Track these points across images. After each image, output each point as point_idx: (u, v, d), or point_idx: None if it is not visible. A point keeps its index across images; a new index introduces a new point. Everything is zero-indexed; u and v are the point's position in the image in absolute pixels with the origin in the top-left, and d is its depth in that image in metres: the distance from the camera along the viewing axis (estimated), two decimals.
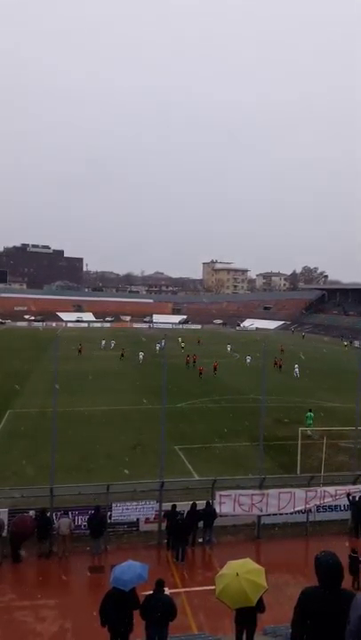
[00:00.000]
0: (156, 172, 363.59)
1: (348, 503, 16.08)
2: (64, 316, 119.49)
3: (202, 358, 51.66)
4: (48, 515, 14.26)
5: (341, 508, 16.61)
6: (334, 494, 15.88)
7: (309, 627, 4.14)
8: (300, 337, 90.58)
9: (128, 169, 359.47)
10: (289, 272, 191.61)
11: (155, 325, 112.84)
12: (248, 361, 52.60)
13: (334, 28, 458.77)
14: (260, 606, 7.68)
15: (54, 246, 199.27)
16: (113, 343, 66.65)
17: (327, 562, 4.16)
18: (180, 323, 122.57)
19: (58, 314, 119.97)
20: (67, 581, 13.48)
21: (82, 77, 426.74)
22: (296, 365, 47.11)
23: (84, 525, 14.64)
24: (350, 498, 15.87)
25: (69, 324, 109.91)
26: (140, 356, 53.02)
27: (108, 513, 14.86)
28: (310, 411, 27.10)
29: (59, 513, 14.52)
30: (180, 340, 69.54)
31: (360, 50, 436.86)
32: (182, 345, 64.31)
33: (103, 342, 66.41)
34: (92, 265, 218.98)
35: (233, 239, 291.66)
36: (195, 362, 50.05)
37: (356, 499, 15.87)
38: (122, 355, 55.89)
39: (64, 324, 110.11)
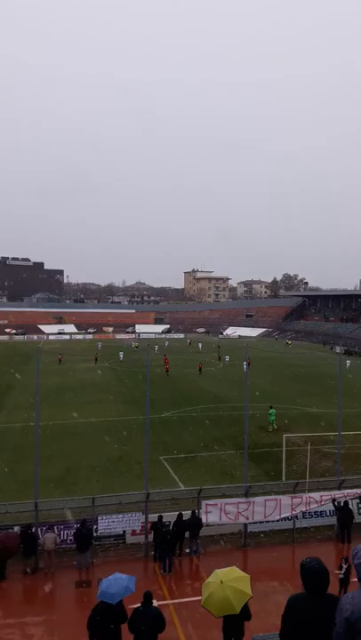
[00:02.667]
0: (137, 183, 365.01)
1: (333, 509, 16.19)
2: (45, 328, 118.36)
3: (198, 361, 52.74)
4: (33, 530, 14.07)
5: (327, 513, 16.72)
6: (320, 500, 15.97)
7: (296, 633, 4.18)
8: (285, 344, 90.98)
9: (108, 180, 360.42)
10: (270, 280, 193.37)
11: (141, 336, 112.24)
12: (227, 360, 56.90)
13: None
14: (245, 614, 7.68)
15: (34, 259, 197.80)
16: (122, 355, 64.86)
17: (312, 568, 4.20)
18: (162, 332, 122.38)
19: (39, 326, 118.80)
20: (53, 597, 13.28)
21: (66, 86, 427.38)
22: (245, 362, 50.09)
23: (70, 540, 14.47)
24: (336, 503, 15.98)
25: (51, 337, 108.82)
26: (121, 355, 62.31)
27: (94, 526, 14.71)
28: (271, 407, 27.73)
29: (44, 528, 14.32)
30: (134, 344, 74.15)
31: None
32: (136, 345, 70.73)
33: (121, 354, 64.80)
34: (73, 276, 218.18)
35: (213, 248, 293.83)
36: (166, 366, 52.12)
37: (342, 504, 16.00)
38: (59, 361, 59.55)
39: (46, 337, 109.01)
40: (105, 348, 76.18)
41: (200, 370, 52.67)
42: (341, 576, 12.01)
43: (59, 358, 60.33)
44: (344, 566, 12.39)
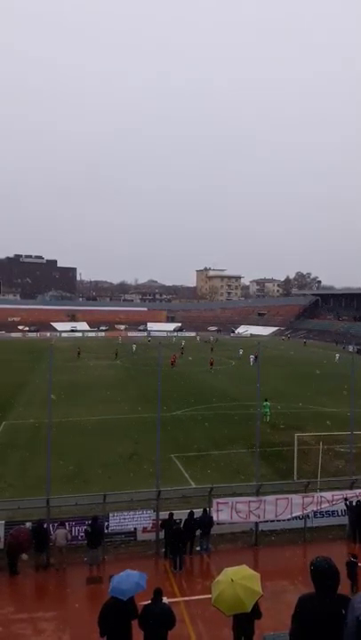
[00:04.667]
0: (150, 181, 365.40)
1: (345, 508, 16.09)
2: (58, 325, 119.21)
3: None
4: (45, 526, 14.19)
5: (339, 513, 16.61)
6: (331, 499, 15.87)
7: (307, 633, 4.16)
8: (303, 344, 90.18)
9: (121, 178, 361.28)
10: (282, 278, 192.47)
11: (152, 334, 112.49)
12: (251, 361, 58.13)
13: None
14: (256, 613, 7.66)
15: (47, 256, 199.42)
16: (134, 347, 73.15)
17: (322, 567, 4.19)
18: (174, 330, 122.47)
19: (52, 324, 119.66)
20: (64, 593, 13.39)
21: (88, 86, 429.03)
22: (251, 356, 56.03)
23: (82, 536, 14.57)
24: (347, 503, 15.87)
25: (64, 334, 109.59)
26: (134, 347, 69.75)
27: (105, 523, 14.80)
28: (266, 400, 27.57)
29: (55, 524, 14.44)
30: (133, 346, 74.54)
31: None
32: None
33: (134, 346, 73.82)
34: (85, 274, 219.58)
35: (226, 246, 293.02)
36: (173, 363, 54.41)
37: (354, 504, 15.88)
38: (78, 354, 64.27)
39: (58, 334, 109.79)
40: (121, 346, 77.01)
41: (211, 365, 53.99)
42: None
43: (78, 351, 65.30)
44: (353, 559, 12.39)
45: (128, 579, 8.53)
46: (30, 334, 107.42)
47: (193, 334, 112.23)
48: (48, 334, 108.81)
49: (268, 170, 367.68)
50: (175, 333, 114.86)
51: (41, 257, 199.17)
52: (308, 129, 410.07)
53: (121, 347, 73.74)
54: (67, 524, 14.61)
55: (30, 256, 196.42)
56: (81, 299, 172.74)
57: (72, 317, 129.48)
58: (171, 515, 14.79)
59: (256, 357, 54.33)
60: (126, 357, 63.12)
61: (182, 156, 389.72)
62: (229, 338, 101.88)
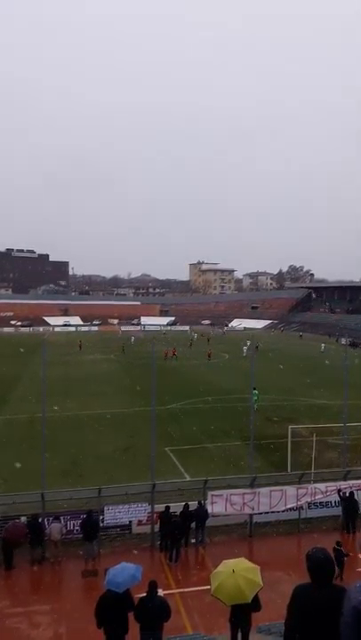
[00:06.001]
0: (142, 175, 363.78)
1: (338, 499, 16.21)
2: (51, 320, 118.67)
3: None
4: (40, 520, 14.18)
5: (332, 504, 16.73)
6: (325, 491, 16.01)
7: (302, 624, 4.18)
8: (298, 337, 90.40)
9: (113, 171, 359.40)
10: (275, 271, 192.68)
11: (145, 328, 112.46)
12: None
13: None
14: (256, 605, 7.72)
15: (39, 250, 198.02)
16: (133, 339, 75.21)
17: (318, 558, 4.19)
18: (168, 324, 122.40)
19: (45, 318, 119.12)
20: (60, 586, 13.42)
21: (80, 75, 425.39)
22: (245, 347, 57.47)
23: (77, 530, 14.59)
24: (341, 494, 15.99)
25: (57, 329, 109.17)
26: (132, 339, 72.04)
27: (101, 516, 14.82)
28: (255, 389, 27.61)
29: (50, 518, 14.44)
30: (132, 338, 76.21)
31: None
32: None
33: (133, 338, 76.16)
34: (78, 268, 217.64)
35: (219, 239, 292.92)
36: (174, 355, 56.02)
37: (347, 495, 16.01)
38: (80, 347, 65.59)
39: (51, 329, 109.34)
40: (118, 340, 77.07)
41: (209, 357, 55.64)
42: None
43: (79, 345, 66.76)
44: (338, 547, 12.55)
45: (123, 571, 8.57)
46: (23, 329, 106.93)
47: (186, 328, 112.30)
48: (41, 329, 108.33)
49: (262, 165, 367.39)
50: (168, 327, 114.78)
51: (33, 251, 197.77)
52: (303, 123, 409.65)
53: (121, 341, 73.98)
54: (62, 518, 14.63)
55: (22, 250, 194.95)
56: (74, 293, 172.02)
57: (65, 312, 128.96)
58: (167, 507, 14.84)
59: (257, 347, 58.53)
60: (128, 350, 63.16)
61: (176, 148, 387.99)
62: (223, 332, 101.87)
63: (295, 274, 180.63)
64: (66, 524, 14.67)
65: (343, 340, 79.13)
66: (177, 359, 55.21)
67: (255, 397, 27.63)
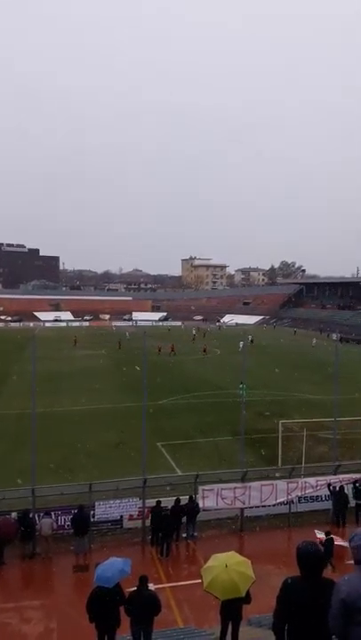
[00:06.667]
0: (132, 169, 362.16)
1: (328, 493, 16.34)
2: (41, 315, 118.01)
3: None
4: (31, 516, 14.14)
5: (323, 498, 16.87)
6: (315, 485, 16.12)
7: (291, 615, 4.22)
8: (292, 333, 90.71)
9: (104, 165, 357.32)
10: (267, 267, 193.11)
11: (137, 323, 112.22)
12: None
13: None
14: (246, 598, 7.77)
15: (29, 245, 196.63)
16: (128, 334, 74.69)
17: (308, 551, 4.23)
18: (159, 320, 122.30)
19: (35, 313, 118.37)
20: (51, 582, 13.41)
21: (65, 74, 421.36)
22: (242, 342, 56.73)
23: (68, 525, 14.57)
24: (331, 488, 16.12)
25: (47, 324, 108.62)
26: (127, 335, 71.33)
27: (92, 511, 14.81)
28: (242, 383, 27.75)
29: (41, 514, 14.41)
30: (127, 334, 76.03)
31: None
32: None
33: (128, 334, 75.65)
34: (68, 263, 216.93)
35: (211, 235, 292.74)
36: (173, 351, 56.38)
37: (337, 489, 16.14)
38: (75, 342, 65.40)
39: (42, 324, 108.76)
40: (112, 336, 76.92)
41: (205, 351, 56.64)
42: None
43: (74, 340, 66.07)
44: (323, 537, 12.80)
45: (112, 566, 8.57)
46: (13, 324, 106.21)
47: (179, 324, 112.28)
48: (31, 324, 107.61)
49: (253, 161, 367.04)
50: (161, 323, 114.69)
51: (23, 246, 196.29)
52: (303, 122, 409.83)
53: (115, 336, 74.05)
54: (52, 513, 14.60)
55: (12, 245, 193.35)
56: (64, 288, 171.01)
57: (56, 307, 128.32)
58: (158, 502, 14.86)
59: (251, 341, 62.10)
60: (124, 346, 62.98)
61: (170, 145, 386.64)
62: (218, 327, 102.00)
63: (287, 270, 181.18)
64: (57, 520, 14.66)
65: (334, 336, 79.76)
66: (175, 355, 55.43)
67: (242, 391, 27.77)
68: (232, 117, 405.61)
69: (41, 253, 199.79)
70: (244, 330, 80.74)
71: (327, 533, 13.28)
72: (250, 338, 68.55)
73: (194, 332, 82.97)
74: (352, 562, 3.72)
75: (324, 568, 4.32)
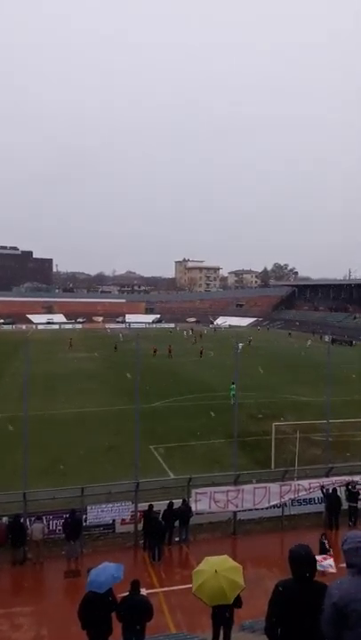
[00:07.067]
0: (127, 171, 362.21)
1: (321, 496, 16.33)
2: (34, 317, 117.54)
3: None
4: (22, 521, 14.00)
5: (316, 501, 16.85)
6: (308, 487, 16.10)
7: (283, 619, 4.18)
8: (287, 334, 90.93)
9: (98, 167, 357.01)
10: (260, 269, 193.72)
11: (131, 325, 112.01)
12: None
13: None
14: (236, 602, 7.72)
15: (23, 247, 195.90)
16: (121, 335, 75.62)
17: (300, 554, 4.20)
18: (153, 322, 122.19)
19: (28, 316, 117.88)
20: (42, 587, 13.28)
21: (61, 76, 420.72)
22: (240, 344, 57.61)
23: (59, 530, 14.44)
24: (324, 491, 16.10)
25: (40, 326, 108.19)
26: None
27: (84, 516, 14.69)
28: (233, 383, 27.72)
29: (32, 518, 14.27)
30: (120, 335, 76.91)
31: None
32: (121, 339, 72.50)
33: (121, 335, 76.65)
34: (62, 265, 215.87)
35: (205, 237, 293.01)
36: (170, 353, 56.91)
37: (330, 491, 16.12)
38: (70, 344, 65.60)
39: (34, 327, 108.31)
40: (107, 338, 76.81)
41: (201, 354, 56.81)
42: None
43: (69, 343, 66.29)
44: (324, 541, 12.84)
45: (104, 571, 8.48)
46: (5, 327, 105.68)
47: (172, 325, 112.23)
48: (24, 327, 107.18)
49: (248, 164, 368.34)
50: (173, 325, 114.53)
51: (16, 248, 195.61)
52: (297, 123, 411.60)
53: (110, 338, 74.02)
54: (44, 517, 14.46)
55: (5, 247, 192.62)
56: (57, 290, 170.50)
57: (48, 309, 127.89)
58: (150, 506, 14.77)
59: (249, 342, 63.92)
60: (120, 348, 62.77)
61: (163, 148, 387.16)
62: (214, 329, 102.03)
63: (280, 272, 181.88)
64: (48, 524, 14.52)
65: (327, 338, 80.00)
66: (171, 357, 55.40)
67: (232, 392, 27.71)
68: (221, 117, 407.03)
69: (34, 256, 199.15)
70: (237, 332, 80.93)
71: (323, 536, 13.27)
72: (249, 339, 68.98)
73: (191, 333, 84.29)
74: (345, 565, 3.68)
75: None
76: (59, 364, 50.09)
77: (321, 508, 16.56)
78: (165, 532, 14.61)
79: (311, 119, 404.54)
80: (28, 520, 14.19)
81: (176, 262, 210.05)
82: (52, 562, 13.84)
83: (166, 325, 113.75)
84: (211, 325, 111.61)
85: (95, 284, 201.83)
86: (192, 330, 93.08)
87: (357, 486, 16.58)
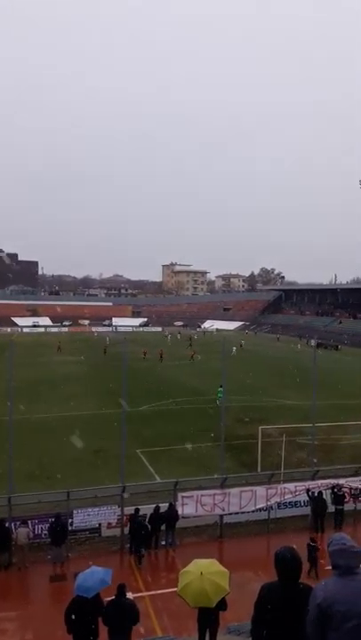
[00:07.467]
0: (114, 173, 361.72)
1: (307, 499, 16.45)
2: (19, 320, 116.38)
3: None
4: (7, 525, 13.88)
5: (301, 504, 16.96)
6: (294, 491, 16.21)
7: (269, 621, 4.21)
8: (276, 338, 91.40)
9: (84, 170, 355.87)
10: (247, 274, 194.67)
11: (117, 329, 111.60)
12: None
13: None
14: (221, 605, 7.75)
15: (8, 249, 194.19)
16: (108, 339, 73.32)
17: (285, 557, 4.23)
18: (140, 325, 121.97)
19: (12, 319, 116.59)
20: (27, 592, 13.16)
21: (51, 79, 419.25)
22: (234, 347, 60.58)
23: (45, 534, 14.34)
24: (310, 493, 16.23)
25: (25, 330, 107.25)
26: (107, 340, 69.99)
27: (70, 520, 14.61)
28: (221, 386, 27.81)
29: (17, 523, 14.15)
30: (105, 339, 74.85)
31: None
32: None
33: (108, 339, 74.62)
34: (47, 268, 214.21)
35: (192, 241, 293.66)
36: (161, 357, 56.44)
37: (316, 494, 16.25)
38: (59, 348, 64.45)
39: (19, 330, 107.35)
40: (95, 342, 76.28)
41: (192, 357, 57.02)
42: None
43: (57, 346, 64.97)
44: (312, 544, 12.88)
45: (93, 576, 8.46)
46: None
47: (159, 329, 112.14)
48: (8, 329, 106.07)
49: (235, 167, 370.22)
50: (141, 329, 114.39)
51: (1, 250, 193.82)
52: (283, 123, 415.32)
53: (98, 342, 73.51)
54: (29, 522, 14.35)
55: None
56: (43, 293, 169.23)
57: (34, 312, 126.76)
58: (137, 510, 14.75)
59: (241, 345, 65.28)
60: (110, 352, 62.46)
61: (148, 150, 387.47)
62: (203, 333, 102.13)
63: (266, 276, 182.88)
64: (33, 529, 14.41)
65: (313, 342, 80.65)
66: (162, 361, 55.13)
67: (220, 395, 27.79)
68: (212, 120, 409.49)
69: (20, 258, 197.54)
70: (225, 336, 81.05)
71: (312, 540, 13.34)
72: (241, 343, 69.19)
73: (179, 336, 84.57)
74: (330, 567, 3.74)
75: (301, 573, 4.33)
76: (46, 368, 49.69)
77: (307, 510, 16.67)
78: (152, 536, 14.59)
79: (293, 117, 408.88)
80: (13, 524, 14.07)
81: (163, 266, 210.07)
82: (38, 566, 13.73)
83: (154, 329, 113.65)
84: (198, 329, 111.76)
85: (82, 287, 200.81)
86: (180, 333, 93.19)
87: (343, 489, 16.74)
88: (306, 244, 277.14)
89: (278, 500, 16.12)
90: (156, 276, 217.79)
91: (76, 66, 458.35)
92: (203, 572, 7.66)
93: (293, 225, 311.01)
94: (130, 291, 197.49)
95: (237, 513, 15.88)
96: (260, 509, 15.98)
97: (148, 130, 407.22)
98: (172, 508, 15.03)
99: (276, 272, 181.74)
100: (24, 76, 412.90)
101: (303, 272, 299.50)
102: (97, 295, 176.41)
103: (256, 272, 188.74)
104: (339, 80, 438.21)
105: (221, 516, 15.75)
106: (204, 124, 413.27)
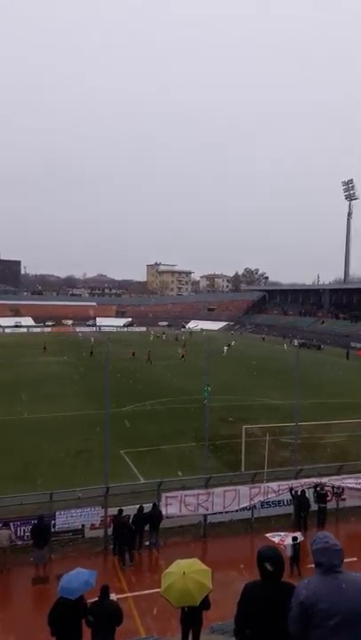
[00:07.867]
0: (114, 173, 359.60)
1: (290, 498, 16.57)
2: (1, 321, 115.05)
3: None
4: None
5: (285, 502, 17.08)
6: (277, 490, 16.33)
7: (252, 619, 4.23)
8: (261, 339, 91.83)
9: (69, 167, 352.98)
10: (231, 274, 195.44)
11: (101, 329, 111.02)
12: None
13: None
14: (205, 604, 7.76)
15: None
16: (93, 339, 72.60)
17: (267, 555, 4.26)
18: (124, 325, 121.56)
19: None
20: (9, 594, 13.01)
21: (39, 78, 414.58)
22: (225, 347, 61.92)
23: (27, 536, 14.19)
24: (293, 492, 16.35)
25: (7, 330, 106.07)
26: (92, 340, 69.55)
27: (52, 521, 14.48)
28: (208, 385, 27.94)
29: None
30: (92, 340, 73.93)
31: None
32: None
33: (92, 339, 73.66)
34: (30, 268, 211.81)
35: (176, 241, 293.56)
36: (149, 358, 55.66)
37: (299, 493, 16.38)
38: (44, 348, 63.92)
39: (1, 330, 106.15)
40: (80, 342, 75.55)
41: (183, 357, 57.04)
42: (290, 554, 12.57)
43: (43, 347, 64.25)
44: (290, 542, 12.95)
45: (77, 577, 8.39)
46: None
47: (144, 329, 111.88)
48: None
49: (235, 167, 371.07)
50: (125, 329, 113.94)
51: None
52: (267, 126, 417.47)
53: (84, 342, 73.00)
54: (11, 524, 14.19)
55: None
56: (26, 293, 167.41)
57: (16, 312, 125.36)
58: (120, 510, 14.69)
59: (229, 345, 66.95)
60: (96, 352, 61.99)
61: (134, 150, 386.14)
62: (190, 333, 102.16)
63: (250, 277, 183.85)
64: (15, 531, 14.25)
65: (296, 342, 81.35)
66: (151, 362, 54.33)
67: (206, 394, 27.87)
68: (212, 120, 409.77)
69: (1, 257, 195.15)
70: (210, 336, 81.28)
71: (294, 539, 13.43)
72: (230, 343, 69.94)
73: (164, 336, 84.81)
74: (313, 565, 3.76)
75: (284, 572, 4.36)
76: (31, 368, 49.17)
77: (290, 509, 16.80)
78: (135, 537, 14.55)
79: (286, 117, 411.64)
80: None
81: (148, 266, 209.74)
82: (20, 569, 13.58)
83: (138, 329, 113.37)
84: (183, 329, 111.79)
85: (65, 286, 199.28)
86: (164, 333, 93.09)
87: (325, 488, 16.91)
88: (306, 244, 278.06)
89: (262, 499, 16.22)
90: (140, 276, 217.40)
91: (76, 66, 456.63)
92: (185, 572, 7.67)
93: (294, 225, 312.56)
94: (114, 291, 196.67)
95: (221, 512, 15.93)
96: (243, 509, 16.05)
97: (148, 130, 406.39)
98: (155, 508, 15.01)
99: (260, 272, 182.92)
100: (24, 75, 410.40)
101: (287, 273, 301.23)
102: (81, 295, 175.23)
103: (240, 272, 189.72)
104: (339, 80, 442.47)
105: (205, 516, 15.78)
106: (204, 123, 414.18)
